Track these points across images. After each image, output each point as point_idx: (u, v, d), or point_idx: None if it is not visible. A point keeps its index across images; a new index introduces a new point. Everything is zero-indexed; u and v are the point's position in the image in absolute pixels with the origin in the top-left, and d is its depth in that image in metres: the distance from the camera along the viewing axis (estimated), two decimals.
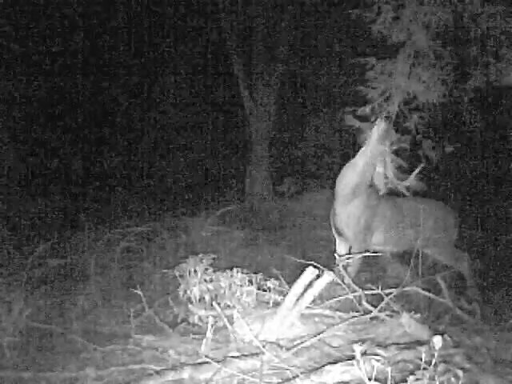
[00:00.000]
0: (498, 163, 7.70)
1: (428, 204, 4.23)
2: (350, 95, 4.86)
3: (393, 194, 4.22)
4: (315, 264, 2.93)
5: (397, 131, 4.26)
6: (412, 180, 3.85)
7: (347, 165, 3.89)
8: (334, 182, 3.97)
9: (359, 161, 3.81)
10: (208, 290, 3.18)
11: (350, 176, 3.82)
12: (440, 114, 4.78)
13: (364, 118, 4.58)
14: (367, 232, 3.95)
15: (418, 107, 4.65)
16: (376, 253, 3.86)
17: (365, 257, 3.86)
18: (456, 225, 4.29)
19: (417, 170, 3.85)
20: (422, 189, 4.00)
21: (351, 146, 4.28)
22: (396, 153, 4.09)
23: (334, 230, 4.11)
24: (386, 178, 3.84)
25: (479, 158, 7.74)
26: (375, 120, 3.99)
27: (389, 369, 1.90)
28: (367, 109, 4.59)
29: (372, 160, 3.79)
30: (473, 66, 4.67)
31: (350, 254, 3.96)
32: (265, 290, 3.22)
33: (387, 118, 4.04)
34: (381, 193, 3.89)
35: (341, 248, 4.11)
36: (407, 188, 3.94)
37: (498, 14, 4.42)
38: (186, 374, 2.35)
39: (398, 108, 4.57)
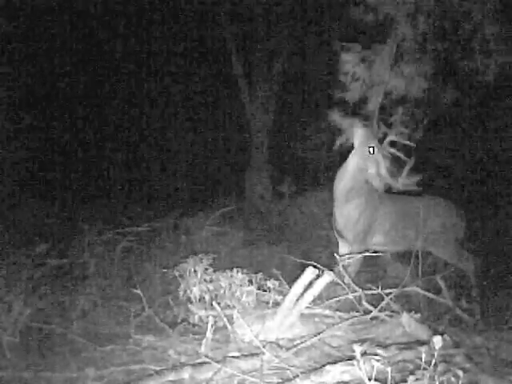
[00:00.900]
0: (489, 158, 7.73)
1: (434, 202, 4.21)
2: (333, 89, 4.86)
3: (396, 192, 4.25)
4: (315, 264, 2.94)
5: (382, 125, 4.26)
6: (405, 176, 3.87)
7: (341, 168, 3.92)
8: (333, 183, 3.98)
9: (349, 165, 3.84)
10: (208, 290, 3.18)
11: (344, 180, 3.86)
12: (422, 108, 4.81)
13: (347, 114, 4.60)
14: (367, 233, 3.95)
15: (400, 100, 4.67)
16: (376, 253, 3.87)
17: (365, 257, 3.87)
18: (462, 223, 4.28)
19: (408, 166, 3.86)
20: (416, 183, 4.01)
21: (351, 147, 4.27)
22: (392, 144, 4.10)
23: (335, 232, 4.12)
24: (380, 176, 3.84)
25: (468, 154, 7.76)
26: (356, 120, 4.03)
27: (389, 369, 1.90)
28: (348, 97, 4.60)
29: (361, 163, 3.79)
30: (458, 60, 4.69)
31: (348, 253, 3.96)
32: (265, 290, 3.22)
33: (365, 120, 4.03)
34: (379, 191, 3.89)
35: (343, 249, 4.10)
36: (402, 185, 3.97)
37: (488, 12, 4.44)
38: (186, 373, 2.35)
39: (380, 101, 4.57)
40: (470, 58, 4.63)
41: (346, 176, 3.84)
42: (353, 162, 3.82)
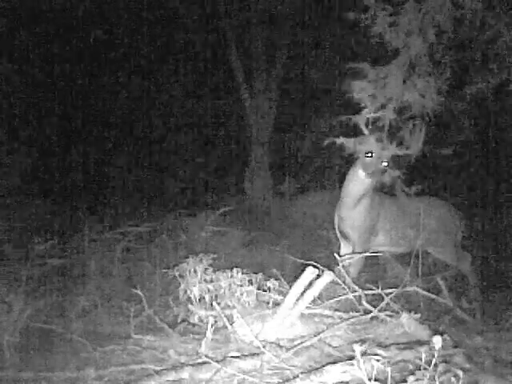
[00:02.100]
0: (494, 168, 7.72)
1: (433, 203, 4.22)
2: (341, 102, 4.84)
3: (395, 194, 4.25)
4: (315, 264, 2.93)
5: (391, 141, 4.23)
6: (420, 146, 3.85)
7: (351, 173, 3.87)
8: (334, 183, 3.98)
9: (361, 175, 3.78)
10: (208, 290, 3.17)
11: (354, 186, 3.83)
12: (434, 122, 4.79)
13: (353, 128, 4.58)
14: (371, 233, 3.96)
15: (412, 116, 4.64)
16: (376, 253, 3.87)
17: (366, 257, 3.87)
18: (461, 225, 4.29)
19: (422, 133, 3.84)
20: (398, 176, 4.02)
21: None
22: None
23: (338, 233, 4.11)
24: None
25: (477, 163, 7.75)
26: (370, 131, 4.00)
27: (389, 369, 1.90)
28: (358, 118, 4.58)
29: (374, 168, 3.76)
30: (472, 73, 4.66)
31: (350, 254, 3.97)
32: (265, 290, 3.22)
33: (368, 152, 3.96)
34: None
35: (345, 250, 4.10)
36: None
37: (501, 24, 4.41)
38: (186, 373, 2.35)
39: (391, 117, 4.56)
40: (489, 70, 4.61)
41: (359, 183, 3.80)
42: (362, 173, 3.78)
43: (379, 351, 2.35)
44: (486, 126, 6.86)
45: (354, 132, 4.09)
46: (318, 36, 7.86)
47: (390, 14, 4.35)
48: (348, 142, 4.12)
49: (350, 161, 4.06)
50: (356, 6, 4.45)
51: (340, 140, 4.16)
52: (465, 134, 4.96)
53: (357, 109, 4.50)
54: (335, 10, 6.61)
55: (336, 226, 4.11)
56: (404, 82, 4.45)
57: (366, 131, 3.95)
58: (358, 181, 3.80)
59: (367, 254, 3.79)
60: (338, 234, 4.12)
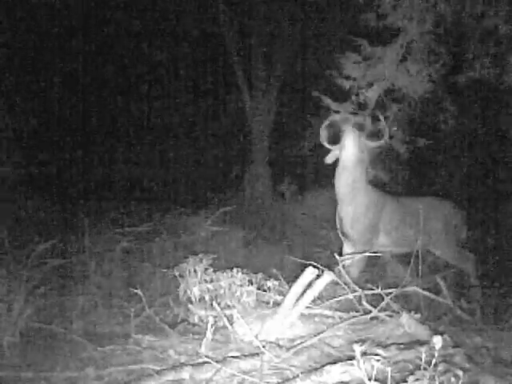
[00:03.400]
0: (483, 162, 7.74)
1: (436, 202, 4.22)
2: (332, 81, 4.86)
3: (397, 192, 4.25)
4: (315, 264, 2.93)
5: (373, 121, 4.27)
6: (386, 139, 3.91)
7: (338, 168, 3.93)
8: (333, 184, 3.99)
9: (347, 160, 3.83)
10: (208, 290, 3.18)
11: (344, 176, 3.86)
12: (419, 108, 4.80)
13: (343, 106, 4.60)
14: (372, 233, 3.95)
15: (397, 99, 4.67)
16: (376, 253, 3.87)
17: (367, 257, 3.87)
18: (464, 224, 4.29)
19: (386, 128, 3.89)
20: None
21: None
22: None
23: (340, 233, 4.12)
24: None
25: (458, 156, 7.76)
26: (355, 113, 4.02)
27: (389, 369, 1.90)
28: (345, 82, 4.59)
29: (359, 155, 3.84)
30: (467, 63, 4.68)
31: (351, 254, 3.97)
32: (265, 290, 3.22)
33: (357, 124, 4.03)
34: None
35: (347, 250, 4.10)
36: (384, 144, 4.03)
37: (500, 16, 4.42)
38: (186, 374, 2.35)
39: (378, 97, 4.58)
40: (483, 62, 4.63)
41: (346, 171, 3.84)
42: (347, 154, 3.83)
43: (379, 351, 2.35)
44: (474, 117, 6.89)
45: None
46: (318, 26, 7.83)
47: None
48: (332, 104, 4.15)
49: None
50: None
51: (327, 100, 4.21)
52: (448, 124, 4.98)
53: (345, 89, 4.55)
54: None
55: (338, 227, 4.11)
56: (396, 65, 4.50)
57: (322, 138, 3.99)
58: (346, 167, 3.84)
59: (368, 254, 3.79)
60: (340, 235, 4.12)
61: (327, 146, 4.01)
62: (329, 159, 4.01)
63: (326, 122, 4.04)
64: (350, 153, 3.81)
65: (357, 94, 4.68)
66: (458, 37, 4.69)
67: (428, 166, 7.03)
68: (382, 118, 3.93)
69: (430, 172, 7.09)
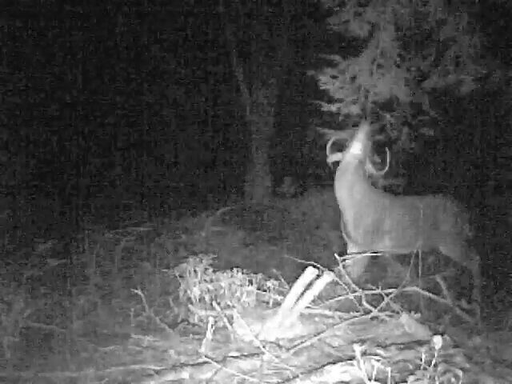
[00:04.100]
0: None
1: (444, 201, 4.21)
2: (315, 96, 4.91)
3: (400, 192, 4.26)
4: (315, 264, 2.94)
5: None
6: (387, 168, 3.93)
7: (339, 168, 3.92)
8: (334, 186, 3.99)
9: (347, 160, 3.84)
10: (208, 290, 3.18)
11: (344, 178, 3.86)
12: (408, 111, 4.84)
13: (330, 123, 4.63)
14: (376, 234, 3.95)
15: (386, 106, 4.71)
16: (376, 253, 3.87)
17: (368, 257, 3.87)
18: (469, 221, 4.29)
19: (388, 158, 3.90)
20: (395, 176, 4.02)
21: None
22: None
23: (344, 235, 4.12)
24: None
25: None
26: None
27: (389, 369, 1.90)
28: (333, 107, 4.64)
29: (361, 158, 3.85)
30: (431, 69, 4.75)
31: (351, 254, 3.97)
32: (265, 290, 3.22)
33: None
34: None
35: (352, 251, 4.09)
36: (383, 176, 4.15)
37: (461, 24, 4.48)
38: (186, 374, 2.35)
39: (368, 106, 4.61)
40: (444, 69, 4.71)
41: (347, 173, 3.84)
42: (350, 157, 3.84)
43: (379, 351, 2.35)
44: (458, 120, 6.95)
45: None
46: (309, 33, 7.88)
47: (359, 3, 4.44)
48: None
49: None
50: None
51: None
52: (432, 127, 5.03)
53: (330, 100, 4.60)
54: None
55: (342, 229, 4.12)
56: (372, 73, 4.54)
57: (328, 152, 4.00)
58: (347, 168, 3.84)
59: (368, 254, 3.79)
60: (345, 236, 4.12)
61: (334, 159, 4.01)
62: (331, 159, 4.02)
63: (331, 142, 4.06)
64: (356, 148, 3.82)
65: (345, 115, 4.73)
66: (422, 42, 4.76)
67: (426, 166, 7.05)
68: (387, 151, 3.94)
69: (428, 171, 7.11)
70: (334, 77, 4.71)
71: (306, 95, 8.92)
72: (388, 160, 3.91)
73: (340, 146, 4.07)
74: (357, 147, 3.83)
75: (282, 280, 3.37)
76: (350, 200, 3.87)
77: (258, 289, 3.20)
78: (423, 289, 3.39)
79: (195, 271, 3.25)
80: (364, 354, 2.16)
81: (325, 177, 7.91)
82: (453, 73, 4.70)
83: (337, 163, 3.99)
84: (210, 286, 3.18)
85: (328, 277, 2.81)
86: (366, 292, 3.18)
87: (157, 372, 2.40)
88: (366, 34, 4.61)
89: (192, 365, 2.44)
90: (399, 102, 4.73)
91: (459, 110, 6.64)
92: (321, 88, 4.76)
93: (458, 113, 6.75)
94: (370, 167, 3.94)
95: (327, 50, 4.82)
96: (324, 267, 2.95)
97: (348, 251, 4.11)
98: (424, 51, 4.77)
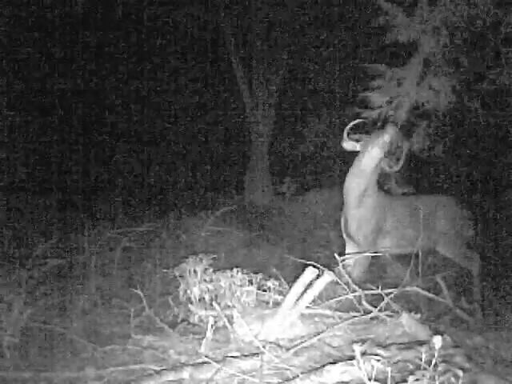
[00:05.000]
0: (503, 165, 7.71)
1: (443, 201, 4.20)
2: (353, 100, 4.83)
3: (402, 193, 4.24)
4: (315, 264, 2.93)
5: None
6: (401, 164, 3.87)
7: (353, 170, 3.83)
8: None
9: (364, 164, 3.75)
10: (208, 290, 3.18)
11: (359, 179, 3.78)
12: (449, 120, 4.76)
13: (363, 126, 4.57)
14: (377, 234, 3.94)
15: (425, 114, 4.62)
16: (377, 253, 3.86)
17: (369, 257, 3.87)
18: (469, 222, 4.28)
19: (404, 152, 3.86)
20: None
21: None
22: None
23: (344, 234, 4.09)
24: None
25: (486, 161, 7.74)
26: (382, 125, 3.99)
27: (389, 369, 1.90)
28: (374, 114, 4.56)
29: (379, 162, 3.79)
30: (486, 70, 4.64)
31: (351, 254, 3.96)
32: (265, 290, 3.22)
33: (395, 123, 4.03)
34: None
35: (350, 251, 4.08)
36: (398, 171, 4.06)
37: None
38: (186, 374, 2.35)
39: (405, 115, 4.55)
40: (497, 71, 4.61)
41: (362, 176, 3.77)
42: (369, 160, 3.75)
43: (379, 351, 2.35)
44: (500, 124, 6.87)
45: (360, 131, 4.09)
46: (322, 36, 7.86)
47: (405, 12, 4.35)
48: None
49: (350, 160, 4.06)
50: (368, 6, 4.47)
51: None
52: (478, 132, 4.97)
53: (368, 107, 4.53)
54: (349, 11, 6.61)
55: (342, 228, 4.09)
56: (418, 82, 4.45)
57: (346, 138, 3.91)
58: (363, 172, 3.77)
59: (368, 254, 3.78)
60: (344, 236, 4.10)
61: (349, 147, 3.88)
62: (347, 145, 3.90)
63: (351, 125, 3.91)
64: (378, 152, 3.71)
65: (385, 118, 4.62)
66: (475, 45, 4.64)
67: (430, 166, 7.03)
68: (405, 145, 3.89)
69: (433, 172, 7.08)
70: (379, 87, 4.59)
71: (305, 95, 9.00)
72: (404, 156, 3.84)
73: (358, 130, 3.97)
74: (378, 151, 3.71)
75: (282, 280, 3.37)
76: (359, 201, 3.83)
77: (258, 289, 3.19)
78: (423, 289, 3.39)
79: (195, 271, 3.25)
80: (364, 354, 2.16)
81: (325, 177, 7.95)
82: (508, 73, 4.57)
83: (351, 154, 3.92)
84: (210, 286, 3.18)
85: (328, 277, 2.81)
86: (366, 292, 3.17)
87: (157, 372, 2.40)
88: (415, 43, 4.48)
89: (192, 365, 2.44)
90: (441, 110, 4.61)
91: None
92: (361, 95, 4.65)
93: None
94: (382, 163, 3.84)
95: (370, 59, 4.75)
96: (324, 267, 2.95)
97: (346, 251, 4.10)
98: (477, 53, 4.65)
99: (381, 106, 4.65)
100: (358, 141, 3.86)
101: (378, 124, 3.98)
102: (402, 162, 3.88)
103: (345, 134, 3.87)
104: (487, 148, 7.37)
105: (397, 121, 4.50)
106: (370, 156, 3.73)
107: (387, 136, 3.69)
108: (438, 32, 4.41)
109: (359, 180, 3.78)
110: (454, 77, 4.56)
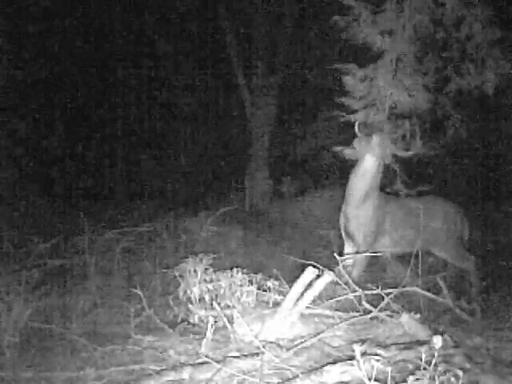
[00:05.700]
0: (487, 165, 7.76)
1: (438, 203, 4.22)
2: (333, 104, 4.85)
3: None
4: (315, 264, 2.93)
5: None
6: (418, 147, 3.89)
7: (356, 171, 3.89)
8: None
9: (366, 168, 3.82)
10: (208, 290, 3.18)
11: (362, 182, 3.84)
12: (428, 118, 4.79)
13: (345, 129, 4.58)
14: (377, 234, 3.95)
15: (404, 115, 4.64)
16: (376, 252, 3.87)
17: (368, 257, 3.87)
18: (465, 224, 4.29)
19: (418, 135, 3.87)
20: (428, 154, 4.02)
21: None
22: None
23: (344, 234, 4.10)
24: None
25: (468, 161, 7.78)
26: (368, 131, 4.02)
27: (389, 369, 1.90)
28: (352, 117, 4.58)
29: (378, 166, 3.83)
30: (453, 71, 4.68)
31: (351, 254, 3.97)
32: (265, 290, 3.22)
33: (379, 130, 4.04)
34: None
35: (349, 250, 4.09)
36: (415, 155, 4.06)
37: (479, 20, 4.43)
38: (186, 374, 2.35)
39: (386, 116, 4.56)
40: (466, 69, 4.64)
41: (365, 179, 3.83)
42: (367, 165, 3.82)
43: (379, 351, 2.35)
44: (480, 122, 6.90)
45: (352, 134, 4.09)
46: (313, 35, 7.87)
47: (373, 12, 4.37)
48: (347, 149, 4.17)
49: (350, 160, 4.07)
50: (337, 6, 4.48)
51: (338, 149, 4.21)
52: (456, 131, 4.97)
53: (348, 109, 4.54)
54: (322, 11, 6.63)
55: (341, 227, 4.10)
56: (390, 82, 4.47)
57: (359, 134, 3.94)
58: (366, 176, 3.81)
59: (368, 254, 3.78)
60: (343, 235, 4.11)
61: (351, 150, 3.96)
62: (348, 155, 3.99)
63: (358, 125, 3.98)
64: (372, 161, 3.80)
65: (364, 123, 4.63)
66: (441, 45, 4.69)
67: (427, 166, 7.05)
68: (416, 129, 3.91)
69: (429, 172, 7.10)
70: (351, 87, 4.60)
71: (305, 95, 8.99)
72: (418, 138, 3.87)
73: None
74: (373, 158, 3.81)
75: (282, 280, 3.37)
76: (361, 201, 3.86)
77: (258, 289, 3.20)
78: (423, 289, 3.39)
79: (195, 271, 3.25)
80: (364, 354, 2.15)
81: (324, 177, 7.95)
82: (475, 72, 4.60)
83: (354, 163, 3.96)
84: (210, 286, 3.18)
85: (328, 277, 2.81)
86: (366, 292, 3.17)
87: (157, 372, 2.40)
88: (383, 43, 4.50)
89: (192, 365, 2.44)
90: (418, 109, 4.63)
91: (484, 111, 6.59)
92: (339, 100, 4.65)
93: (483, 114, 6.70)
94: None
95: (342, 59, 4.72)
96: (324, 267, 2.95)
97: (345, 251, 4.11)
98: (444, 53, 4.68)
99: (356, 110, 4.66)
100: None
101: (358, 129, 3.97)
102: (418, 145, 3.91)
103: (357, 130, 3.93)
104: (474, 148, 7.43)
105: (380, 125, 4.51)
106: (367, 162, 3.82)
107: (375, 144, 3.77)
108: (404, 32, 4.44)
109: (363, 181, 3.84)
110: (425, 76, 4.59)
